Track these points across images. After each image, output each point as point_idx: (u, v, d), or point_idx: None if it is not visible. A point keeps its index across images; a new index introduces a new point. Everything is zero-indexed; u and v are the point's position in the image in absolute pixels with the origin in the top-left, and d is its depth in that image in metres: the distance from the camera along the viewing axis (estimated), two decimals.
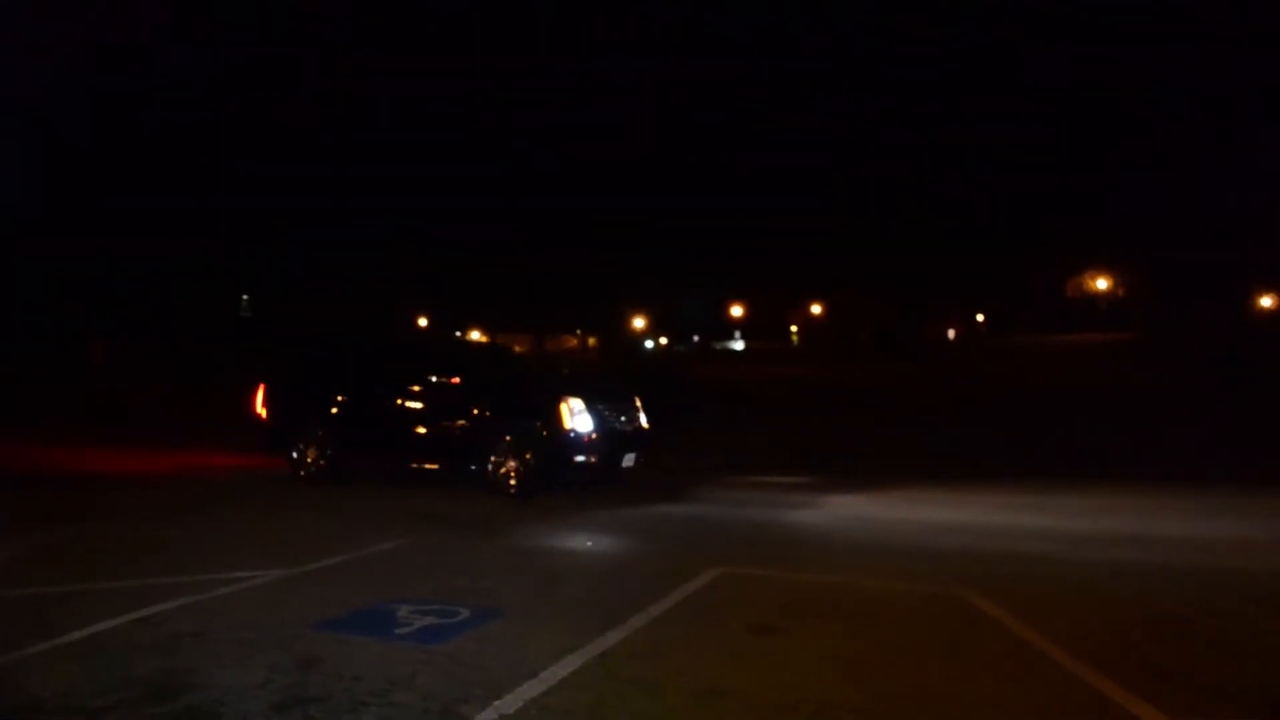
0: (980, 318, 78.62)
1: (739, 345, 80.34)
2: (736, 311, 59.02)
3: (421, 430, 12.43)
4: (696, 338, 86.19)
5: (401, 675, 5.20)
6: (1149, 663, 5.48)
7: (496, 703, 4.75)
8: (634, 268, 56.34)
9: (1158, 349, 45.54)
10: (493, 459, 11.70)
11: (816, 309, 66.45)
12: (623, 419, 12.35)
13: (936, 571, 7.76)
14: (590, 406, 11.65)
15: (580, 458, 11.48)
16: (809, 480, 14.00)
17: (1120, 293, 71.34)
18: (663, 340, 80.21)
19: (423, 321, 64.00)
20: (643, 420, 12.88)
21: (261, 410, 13.87)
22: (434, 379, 12.49)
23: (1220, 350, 34.64)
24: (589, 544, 9.30)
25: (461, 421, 12.16)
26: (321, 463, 13.11)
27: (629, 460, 12.18)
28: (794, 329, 76.72)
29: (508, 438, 11.68)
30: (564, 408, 11.48)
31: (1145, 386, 31.16)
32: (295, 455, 13.26)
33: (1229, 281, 48.96)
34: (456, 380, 12.39)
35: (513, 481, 11.58)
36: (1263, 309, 61.75)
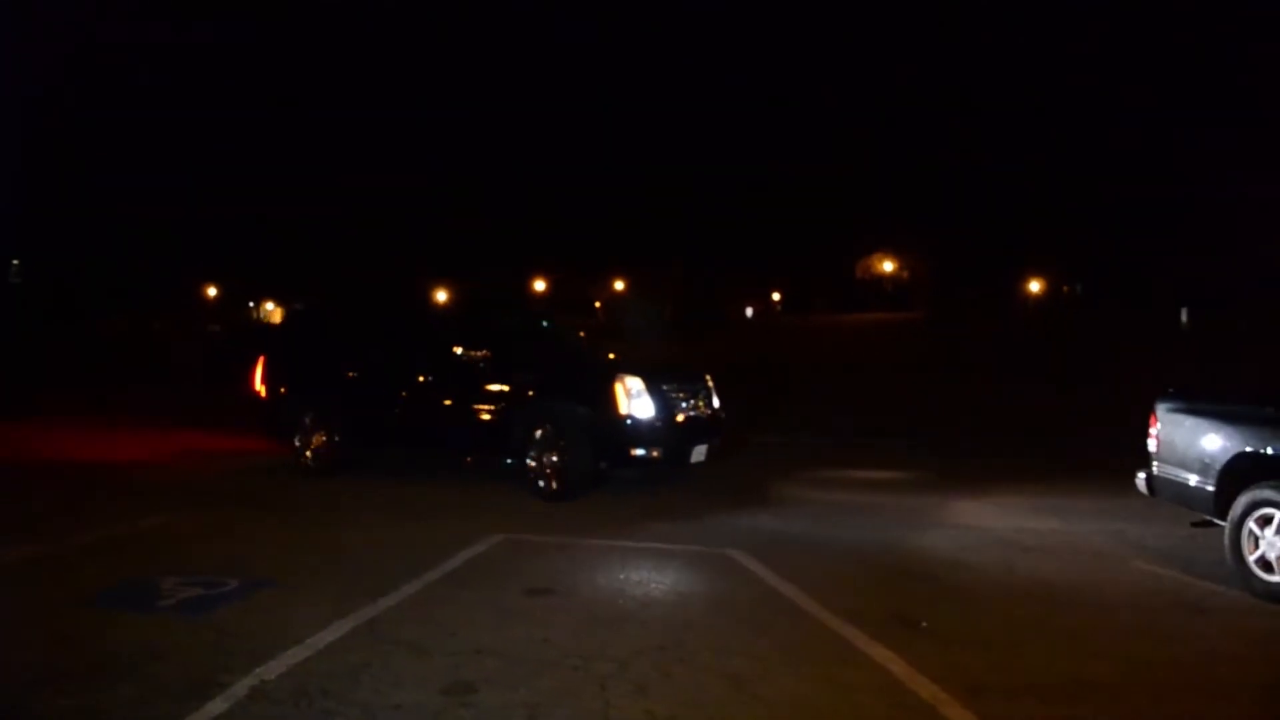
0: (776, 296, 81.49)
1: (544, 322, 79.44)
2: (539, 286, 59.01)
3: (446, 415, 10.40)
4: None
5: (161, 647, 5.09)
6: (896, 614, 5.93)
7: (258, 670, 4.72)
8: (434, 240, 55.39)
9: (935, 329, 48.42)
10: (531, 450, 9.70)
11: (620, 285, 67.15)
12: (691, 402, 10.24)
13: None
14: (652, 387, 9.62)
15: (639, 450, 9.48)
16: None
17: (905, 275, 75.52)
18: None
19: (211, 291, 61.26)
20: (715, 403, 10.76)
21: (260, 387, 11.71)
22: (459, 352, 10.36)
23: (989, 331, 37.14)
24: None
25: (492, 404, 10.10)
26: (326, 451, 11.06)
27: (699, 454, 10.02)
28: (598, 305, 77.37)
29: (546, 425, 9.69)
30: (619, 389, 9.46)
31: (913, 366, 33.02)
32: (297, 442, 11.15)
33: (1001, 267, 52.54)
34: (487, 354, 10.29)
35: (547, 478, 9.59)
36: (1030, 293, 66.55)
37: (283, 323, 13.82)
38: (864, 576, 6.93)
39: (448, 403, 10.39)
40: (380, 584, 6.28)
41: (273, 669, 4.75)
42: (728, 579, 6.75)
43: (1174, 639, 5.54)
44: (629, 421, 9.45)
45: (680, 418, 9.96)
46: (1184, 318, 43.28)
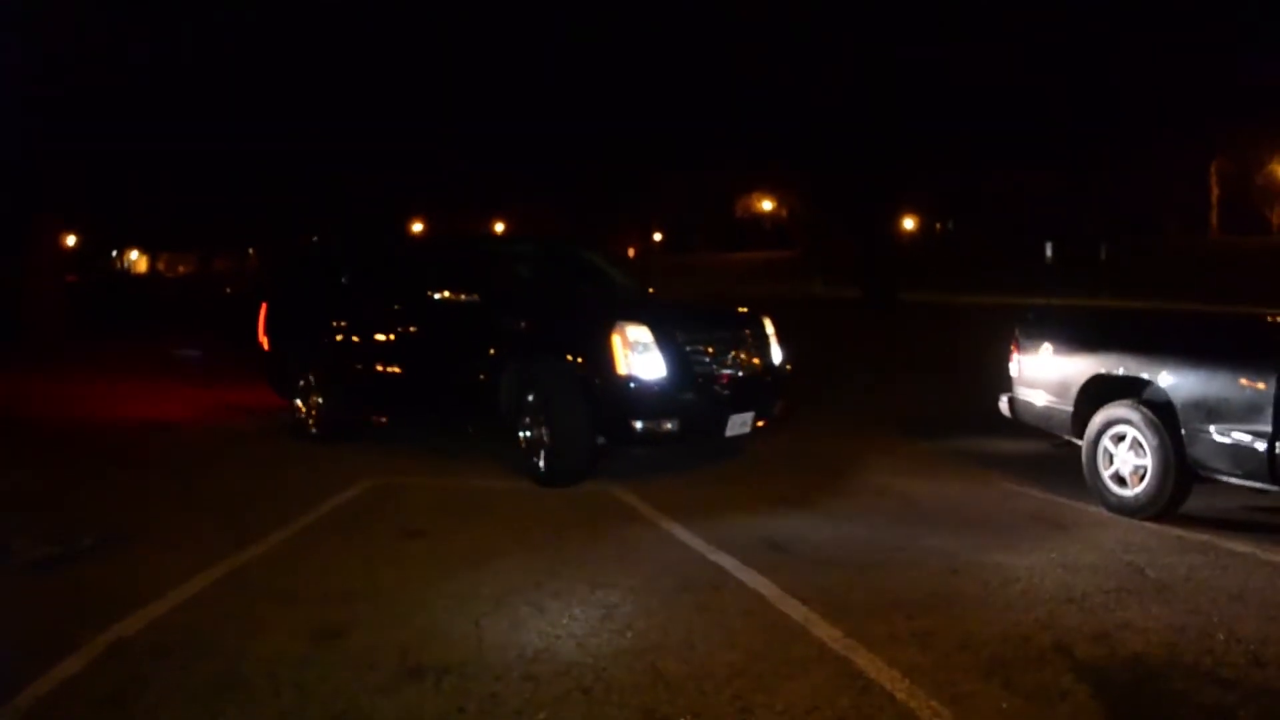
0: (657, 236, 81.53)
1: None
2: (418, 229, 57.54)
3: (432, 375, 8.62)
4: None
5: (12, 607, 4.89)
6: (769, 541, 6.04)
7: (116, 626, 4.54)
8: (309, 181, 53.22)
9: (813, 267, 49.42)
10: (525, 418, 7.64)
11: (500, 226, 66.17)
12: (728, 357, 7.88)
13: None
14: (663, 339, 7.38)
15: (641, 423, 7.30)
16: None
17: (784, 214, 76.30)
18: None
19: (70, 240, 58.23)
20: (774, 356, 8.42)
21: (264, 339, 10.24)
22: (442, 296, 8.33)
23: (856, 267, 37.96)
24: None
25: (480, 361, 8.04)
26: (321, 416, 9.41)
27: (739, 424, 7.73)
28: None
29: (532, 389, 7.64)
30: (617, 341, 7.26)
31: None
32: (299, 403, 9.60)
33: (875, 204, 53.51)
34: (475, 297, 8.21)
35: (539, 459, 7.54)
36: (904, 230, 68.26)
37: (281, 264, 11.34)
38: (732, 503, 7.02)
39: (433, 360, 8.66)
40: (247, 533, 6.10)
41: (132, 624, 4.57)
42: (606, 514, 6.76)
43: (1033, 552, 5.76)
44: (631, 384, 7.28)
45: (710, 377, 7.74)
46: (1049, 253, 44.82)
